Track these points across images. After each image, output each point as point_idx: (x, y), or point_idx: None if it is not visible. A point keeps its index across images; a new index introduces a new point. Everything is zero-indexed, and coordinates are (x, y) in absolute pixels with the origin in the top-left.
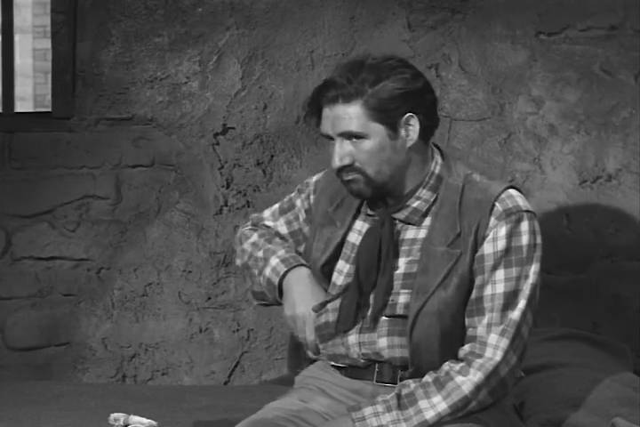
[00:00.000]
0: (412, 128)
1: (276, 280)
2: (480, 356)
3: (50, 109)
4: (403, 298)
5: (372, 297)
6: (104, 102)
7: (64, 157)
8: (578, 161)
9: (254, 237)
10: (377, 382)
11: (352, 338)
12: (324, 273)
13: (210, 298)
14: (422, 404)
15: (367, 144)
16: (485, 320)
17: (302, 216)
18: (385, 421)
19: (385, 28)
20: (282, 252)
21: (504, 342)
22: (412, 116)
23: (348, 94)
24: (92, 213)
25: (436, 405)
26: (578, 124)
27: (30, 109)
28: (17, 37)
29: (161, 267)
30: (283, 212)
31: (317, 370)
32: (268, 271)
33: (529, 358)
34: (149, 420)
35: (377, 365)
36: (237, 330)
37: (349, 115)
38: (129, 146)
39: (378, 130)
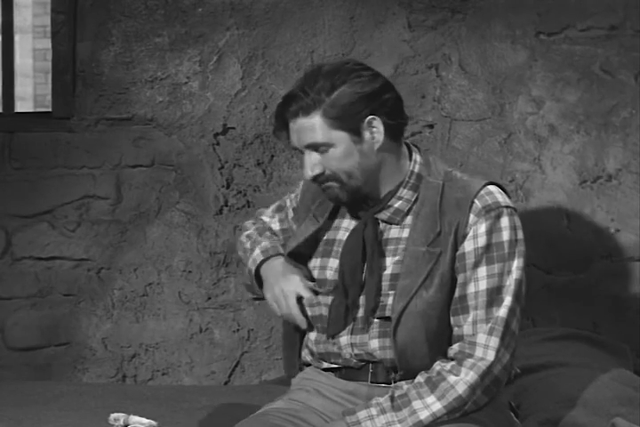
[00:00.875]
0: (375, 130)
1: (253, 269)
2: (470, 355)
3: (50, 109)
4: (390, 299)
5: (362, 298)
6: (104, 102)
7: (64, 157)
8: (578, 161)
9: (251, 229)
10: (372, 382)
11: (344, 339)
12: (293, 259)
13: (210, 298)
14: (416, 404)
15: (334, 152)
16: (470, 318)
17: (290, 215)
18: (380, 423)
19: (385, 28)
20: (265, 243)
21: (494, 341)
22: (373, 118)
23: (307, 106)
24: (92, 213)
25: (430, 405)
26: (578, 124)
27: (30, 109)
28: (17, 37)
29: (161, 267)
30: (279, 209)
31: (312, 372)
32: (250, 262)
33: (529, 357)
34: (149, 420)
35: (371, 365)
36: (237, 330)
37: (311, 126)
38: (129, 146)
39: (342, 137)
